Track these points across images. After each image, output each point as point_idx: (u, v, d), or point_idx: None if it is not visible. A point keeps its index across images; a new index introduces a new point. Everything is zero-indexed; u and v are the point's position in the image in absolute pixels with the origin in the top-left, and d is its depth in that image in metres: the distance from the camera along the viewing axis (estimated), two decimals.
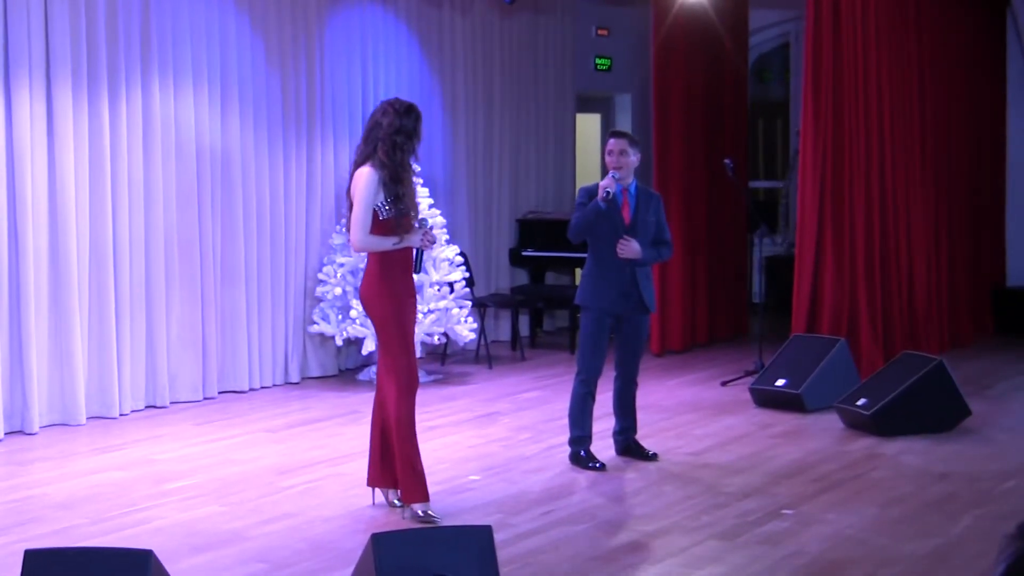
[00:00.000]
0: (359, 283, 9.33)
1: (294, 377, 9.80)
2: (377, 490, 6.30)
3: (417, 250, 6.12)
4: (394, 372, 6.06)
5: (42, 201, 8.10)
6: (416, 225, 6.10)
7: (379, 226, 6.06)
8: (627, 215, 7.06)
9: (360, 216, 6.02)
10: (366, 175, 6.04)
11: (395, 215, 6.04)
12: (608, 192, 6.89)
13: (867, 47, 9.90)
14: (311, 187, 9.93)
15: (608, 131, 7.33)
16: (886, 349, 9.87)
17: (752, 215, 11.67)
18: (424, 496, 6.05)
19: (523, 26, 12.17)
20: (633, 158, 7.08)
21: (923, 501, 6.39)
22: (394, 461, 6.12)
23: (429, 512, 6.03)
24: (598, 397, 7.21)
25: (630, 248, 6.98)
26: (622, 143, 7.06)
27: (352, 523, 6.03)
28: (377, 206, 6.04)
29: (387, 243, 6.05)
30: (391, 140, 6.05)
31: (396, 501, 6.27)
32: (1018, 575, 1.98)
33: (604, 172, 7.15)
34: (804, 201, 9.74)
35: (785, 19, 14.37)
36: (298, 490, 6.63)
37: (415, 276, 6.22)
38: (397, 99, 6.23)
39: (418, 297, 9.42)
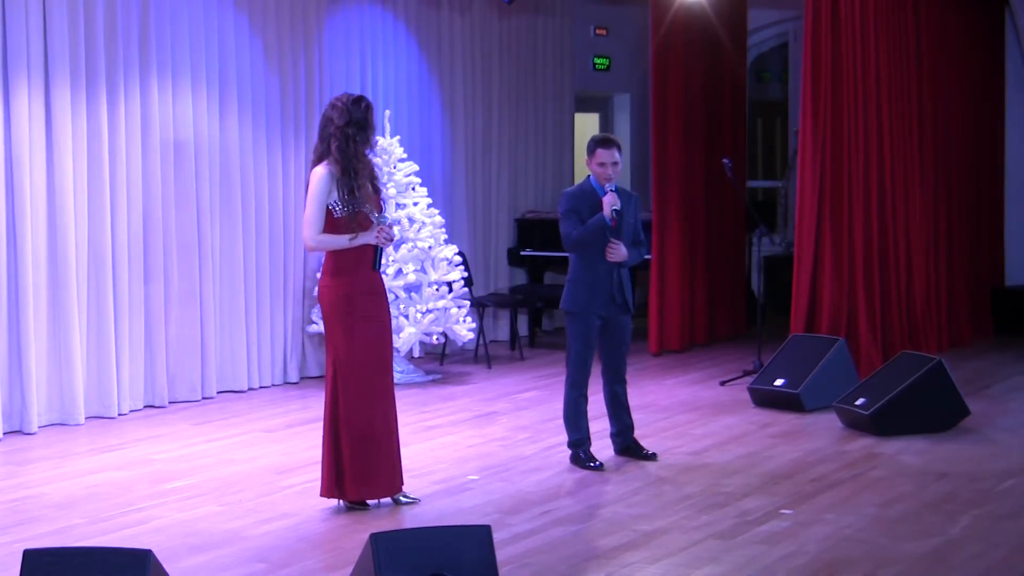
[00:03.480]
0: None
1: (293, 377, 9.79)
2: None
3: (376, 247, 6.10)
4: (330, 370, 6.12)
5: (41, 201, 8.10)
6: (373, 221, 6.08)
7: (334, 224, 6.03)
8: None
9: (311, 215, 6.02)
10: (317, 174, 6.04)
11: (349, 212, 6.02)
12: (615, 211, 6.89)
13: (866, 47, 9.90)
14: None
15: (595, 137, 7.19)
16: (885, 349, 9.87)
17: (751, 215, 11.68)
18: (325, 492, 6.16)
19: (522, 26, 12.17)
20: (620, 165, 7.09)
21: (922, 501, 6.39)
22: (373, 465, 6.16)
23: (345, 504, 6.21)
24: (590, 398, 7.21)
25: (619, 252, 6.98)
26: (615, 154, 7.02)
27: (351, 523, 6.04)
28: (331, 204, 6.02)
29: (340, 241, 6.03)
30: (343, 133, 6.03)
31: (403, 498, 6.31)
32: None
33: None
34: (803, 200, 9.74)
35: (784, 19, 14.36)
36: (297, 490, 6.63)
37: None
38: (346, 93, 6.23)
39: (416, 296, 9.50)
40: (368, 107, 6.14)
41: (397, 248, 9.41)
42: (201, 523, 6.02)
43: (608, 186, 6.99)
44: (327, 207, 6.03)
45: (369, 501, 6.26)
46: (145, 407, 8.75)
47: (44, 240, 8.13)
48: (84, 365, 8.31)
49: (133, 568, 4.14)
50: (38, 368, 8.08)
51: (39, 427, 8.06)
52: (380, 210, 6.16)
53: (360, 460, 6.11)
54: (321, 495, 6.22)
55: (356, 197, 6.02)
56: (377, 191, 6.23)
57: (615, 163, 7.01)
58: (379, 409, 6.14)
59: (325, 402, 6.18)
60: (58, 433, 8.02)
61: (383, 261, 6.20)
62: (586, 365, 7.11)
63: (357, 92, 10.08)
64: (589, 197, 7.03)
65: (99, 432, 8.05)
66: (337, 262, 6.10)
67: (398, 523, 5.93)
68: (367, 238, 6.04)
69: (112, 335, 8.43)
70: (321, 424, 6.29)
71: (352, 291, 6.07)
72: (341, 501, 6.23)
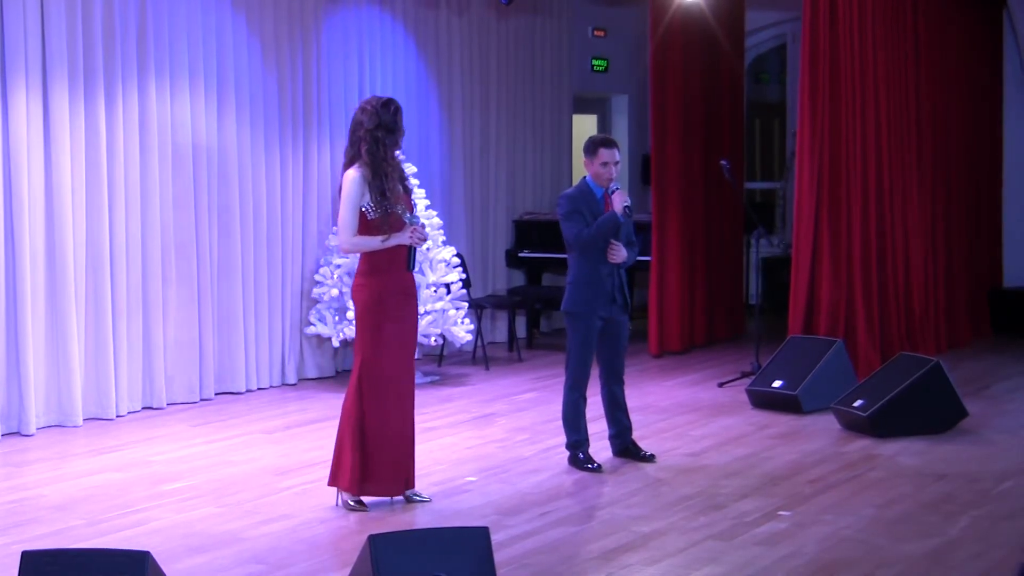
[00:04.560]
0: None
1: (291, 378, 9.79)
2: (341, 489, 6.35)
3: (410, 247, 6.15)
4: (357, 366, 6.19)
5: (39, 202, 8.10)
6: (406, 222, 6.12)
7: (367, 226, 6.10)
8: None
9: (345, 218, 6.10)
10: (350, 177, 6.12)
11: (382, 213, 6.07)
12: (627, 207, 6.92)
13: (864, 48, 9.91)
14: (307, 188, 9.92)
15: (595, 138, 7.23)
16: (883, 350, 9.87)
17: (749, 216, 11.68)
18: (346, 485, 6.20)
19: (520, 26, 12.17)
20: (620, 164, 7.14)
21: (920, 502, 6.40)
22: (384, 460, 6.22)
23: (350, 501, 6.23)
24: (588, 399, 7.22)
25: (620, 253, 7.01)
26: (616, 153, 7.06)
27: (349, 524, 6.04)
28: (365, 207, 6.09)
29: (374, 243, 6.10)
30: (372, 136, 6.13)
31: (416, 496, 6.36)
32: None
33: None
34: (801, 202, 9.74)
35: (782, 20, 14.36)
36: (295, 491, 6.63)
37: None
38: (374, 96, 6.31)
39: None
40: (397, 110, 6.23)
41: None
42: (199, 524, 6.02)
43: (612, 184, 7.02)
44: (360, 209, 6.09)
45: (367, 501, 6.28)
46: (143, 408, 8.74)
47: (42, 241, 8.12)
48: (82, 366, 8.30)
49: (131, 569, 4.14)
50: (36, 369, 8.07)
51: (37, 428, 8.05)
52: (411, 210, 6.22)
53: (382, 457, 6.19)
54: (329, 484, 6.28)
55: (388, 198, 6.09)
56: (407, 192, 6.31)
57: (616, 162, 7.04)
58: (400, 408, 6.23)
59: (346, 397, 6.23)
60: (56, 434, 8.01)
61: (416, 260, 6.25)
62: (587, 366, 7.12)
63: (354, 91, 10.23)
64: (588, 198, 7.05)
65: (97, 433, 8.04)
66: (372, 262, 6.17)
67: (397, 524, 5.93)
68: (400, 239, 6.12)
69: (110, 336, 8.43)
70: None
71: (384, 291, 6.15)
72: (340, 501, 6.25)
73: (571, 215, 7.03)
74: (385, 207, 6.09)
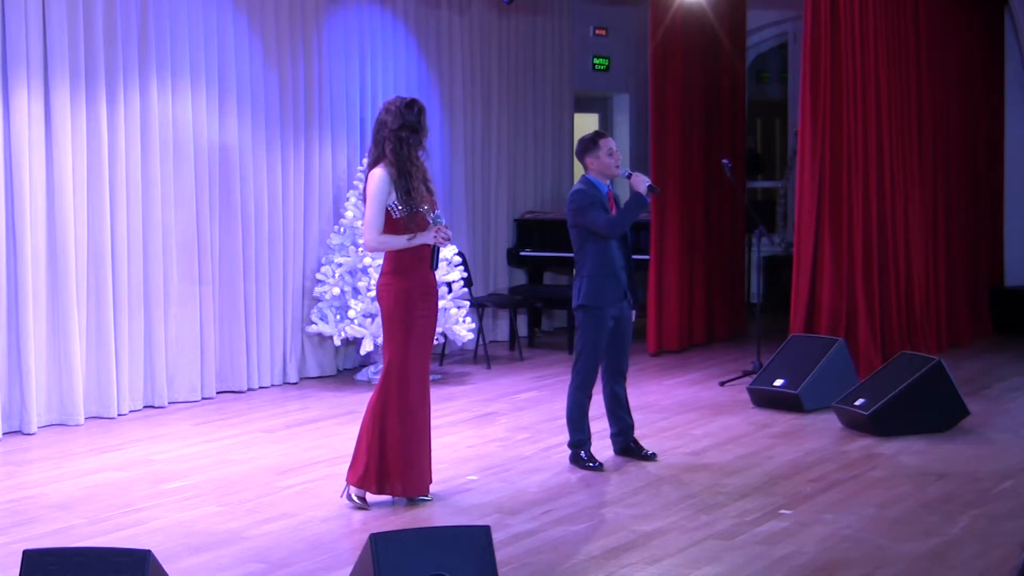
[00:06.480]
0: (357, 283, 9.40)
1: (292, 377, 9.79)
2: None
3: (434, 247, 6.17)
4: (387, 365, 6.21)
5: (40, 201, 8.10)
6: (430, 221, 6.15)
7: (393, 225, 6.14)
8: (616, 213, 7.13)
9: (371, 217, 6.13)
10: (376, 177, 6.15)
11: (407, 213, 6.10)
12: (650, 186, 6.99)
13: (865, 47, 9.91)
14: (309, 187, 9.92)
15: (588, 135, 7.29)
16: (884, 349, 9.87)
17: (750, 215, 11.69)
18: (357, 481, 6.22)
19: (521, 26, 12.17)
20: None
21: (921, 501, 6.40)
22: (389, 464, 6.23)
23: (355, 496, 6.25)
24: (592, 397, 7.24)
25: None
26: (613, 141, 7.17)
27: (350, 523, 6.04)
28: (390, 206, 6.14)
29: (399, 242, 6.14)
30: (396, 137, 6.17)
31: (427, 497, 6.37)
32: None
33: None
34: (802, 201, 9.75)
35: (783, 19, 14.37)
36: (296, 490, 6.63)
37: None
38: (399, 97, 6.33)
39: None
40: (421, 110, 6.26)
41: None
42: (200, 523, 6.02)
43: (621, 171, 7.06)
44: (386, 208, 6.11)
45: (369, 500, 6.28)
46: (144, 407, 8.75)
47: (44, 240, 8.13)
48: (83, 365, 8.31)
49: (132, 568, 4.14)
50: (37, 368, 8.08)
51: (38, 427, 8.06)
52: (435, 209, 6.24)
53: (411, 456, 6.24)
54: (349, 482, 6.27)
55: (413, 198, 6.12)
56: (430, 191, 6.33)
57: (617, 149, 7.14)
58: (422, 408, 6.31)
59: (373, 397, 6.24)
60: (57, 433, 8.02)
61: (439, 260, 6.28)
62: (596, 365, 7.14)
63: (355, 89, 10.25)
64: (596, 192, 7.08)
65: (98, 432, 8.05)
66: (397, 261, 6.20)
67: (398, 523, 5.93)
68: (425, 238, 6.16)
69: (112, 335, 8.43)
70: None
71: (411, 289, 6.19)
72: (346, 494, 6.26)
73: (590, 207, 7.04)
74: (411, 206, 6.13)
